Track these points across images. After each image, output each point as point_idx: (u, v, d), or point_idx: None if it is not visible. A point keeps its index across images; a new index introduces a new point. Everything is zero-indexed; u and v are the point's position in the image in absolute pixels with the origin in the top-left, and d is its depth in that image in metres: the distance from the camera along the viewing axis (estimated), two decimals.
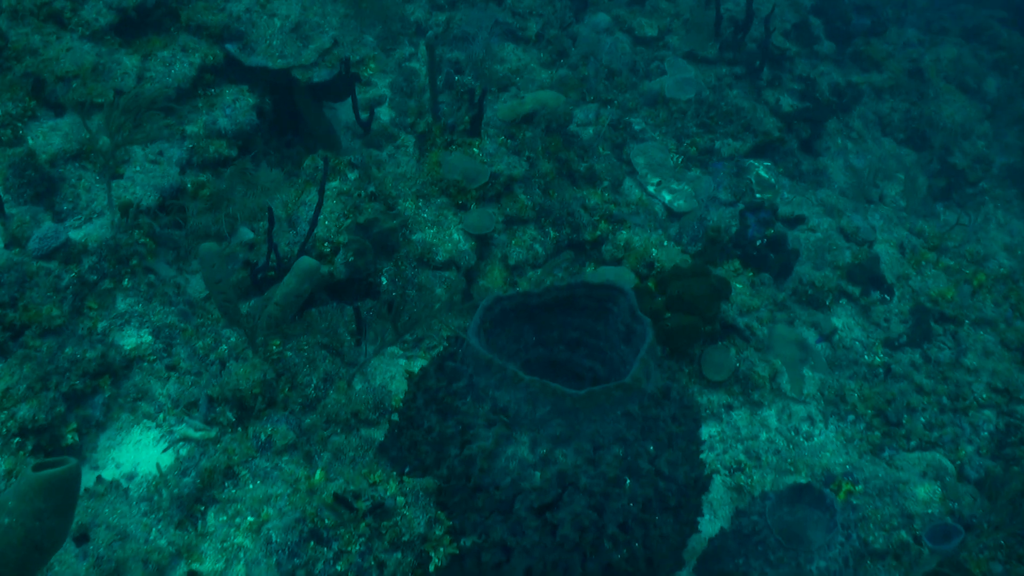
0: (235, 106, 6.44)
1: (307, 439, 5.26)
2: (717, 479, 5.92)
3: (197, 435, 4.94)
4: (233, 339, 5.40)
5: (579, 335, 5.11)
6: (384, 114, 7.93)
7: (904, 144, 9.87)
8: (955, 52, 11.46)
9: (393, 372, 6.07)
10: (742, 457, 6.01)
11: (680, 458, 4.61)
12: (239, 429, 5.02)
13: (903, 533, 5.41)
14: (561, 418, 4.36)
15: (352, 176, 6.28)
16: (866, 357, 6.55)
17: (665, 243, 6.82)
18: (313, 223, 5.70)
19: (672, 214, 7.53)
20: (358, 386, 5.75)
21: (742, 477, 5.75)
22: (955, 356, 6.58)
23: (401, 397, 5.80)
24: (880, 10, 13.07)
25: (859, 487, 5.55)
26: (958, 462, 6.02)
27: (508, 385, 4.41)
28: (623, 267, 6.57)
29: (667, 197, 7.56)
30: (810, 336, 6.59)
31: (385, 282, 6.13)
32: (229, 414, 5.02)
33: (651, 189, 7.62)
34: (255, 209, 6.12)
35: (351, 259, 5.88)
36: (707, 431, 6.15)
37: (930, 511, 5.51)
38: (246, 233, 6.11)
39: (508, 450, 4.33)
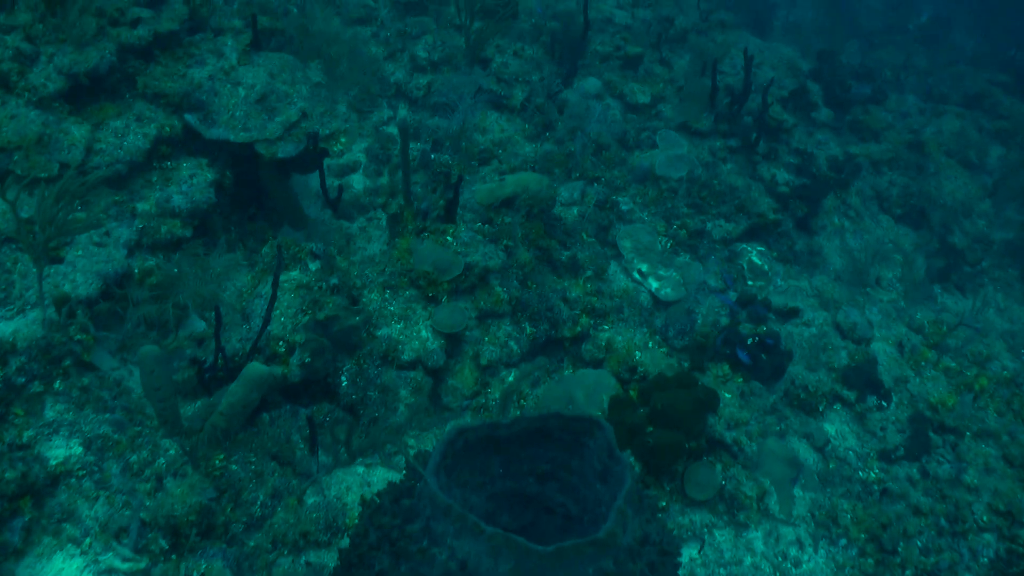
0: (192, 182, 5.98)
1: (250, 565, 4.79)
2: None
3: (125, 567, 4.45)
4: (172, 451, 4.91)
5: (551, 468, 4.65)
6: (358, 182, 7.49)
7: (902, 221, 9.47)
8: (958, 125, 11.09)
9: (349, 482, 5.59)
10: None
11: None
12: (172, 557, 4.54)
13: None
14: (527, 575, 3.90)
15: (313, 267, 5.82)
16: (860, 474, 6.11)
17: (649, 344, 6.38)
18: (266, 320, 5.24)
19: (659, 303, 7.08)
20: (310, 500, 5.27)
21: None
22: (955, 472, 6.14)
23: (356, 514, 5.34)
24: (879, 73, 12.74)
25: None
26: None
27: (468, 535, 3.95)
28: (603, 371, 6.11)
29: (654, 285, 7.12)
30: (801, 448, 6.14)
31: (345, 383, 5.66)
32: (162, 541, 4.54)
33: (637, 276, 7.18)
34: (208, 297, 5.65)
35: (307, 360, 5.41)
36: (688, 553, 5.68)
37: None
38: (196, 323, 5.65)
39: None
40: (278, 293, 5.52)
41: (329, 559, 5.06)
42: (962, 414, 6.45)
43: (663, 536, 4.49)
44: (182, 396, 5.36)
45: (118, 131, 5.92)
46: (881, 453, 6.29)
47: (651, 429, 5.61)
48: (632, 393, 5.87)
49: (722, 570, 5.61)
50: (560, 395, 5.95)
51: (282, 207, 6.54)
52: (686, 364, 6.24)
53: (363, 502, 5.11)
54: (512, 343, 6.15)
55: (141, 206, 5.80)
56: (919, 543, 5.74)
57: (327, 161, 7.17)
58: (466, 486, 4.54)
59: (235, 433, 5.03)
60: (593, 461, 4.51)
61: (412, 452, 5.67)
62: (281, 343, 5.42)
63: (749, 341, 6.52)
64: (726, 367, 6.27)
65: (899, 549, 5.64)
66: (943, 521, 5.90)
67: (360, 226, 6.97)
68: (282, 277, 5.71)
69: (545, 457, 4.62)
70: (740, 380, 6.22)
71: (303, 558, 5.03)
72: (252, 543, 4.89)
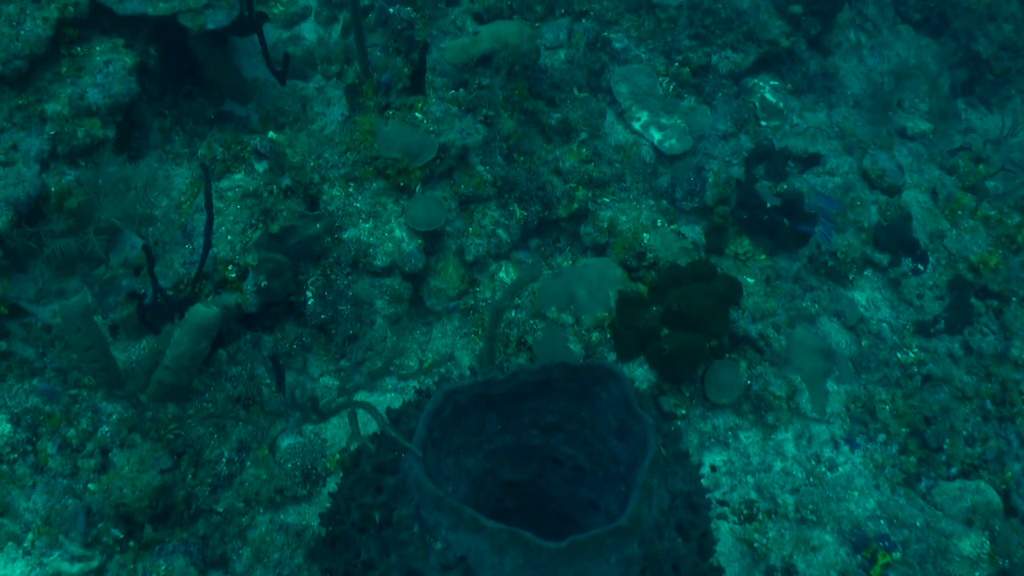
0: (108, 70, 4.95)
1: (221, 535, 4.20)
2: (724, 527, 4.95)
3: (75, 569, 3.84)
4: (116, 417, 4.19)
5: (557, 419, 3.97)
6: (310, 31, 6.41)
7: (921, 29, 8.41)
8: None
9: None
10: (753, 495, 5.01)
11: None
12: (130, 544, 3.92)
13: None
14: (538, 572, 3.30)
15: (261, 168, 4.92)
16: (898, 355, 5.46)
17: (659, 223, 5.57)
18: (205, 248, 4.41)
19: (663, 157, 6.21)
20: (284, 442, 4.63)
21: (756, 535, 4.77)
22: (1000, 346, 5.52)
23: (337, 457, 4.73)
24: None
25: (896, 554, 4.59)
26: (1003, 486, 5.06)
27: (466, 529, 3.32)
28: (608, 259, 5.33)
29: (656, 136, 6.22)
30: (832, 331, 5.46)
31: (311, 301, 4.89)
32: (115, 531, 3.91)
33: (637, 126, 6.26)
34: (140, 213, 4.78)
35: (264, 284, 4.62)
36: (711, 460, 5.12)
37: (976, 574, 4.60)
38: (131, 241, 4.80)
39: None
40: (222, 205, 4.67)
41: (311, 514, 4.47)
42: (1007, 276, 5.75)
43: (691, 486, 3.87)
44: (125, 335, 4.60)
45: (11, 19, 4.84)
46: (919, 326, 5.62)
47: (666, 332, 4.92)
48: (642, 288, 5.12)
49: (750, 478, 5.07)
50: (558, 293, 5.21)
51: (221, 80, 5.53)
52: (702, 243, 5.44)
53: (342, 465, 4.46)
54: (500, 231, 5.34)
55: (51, 107, 4.80)
56: (965, 431, 5.18)
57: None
58: (459, 451, 3.88)
59: (186, 386, 4.32)
60: (607, 416, 3.82)
61: (394, 399, 4.99)
62: (231, 267, 4.61)
63: (769, 205, 5.72)
64: (746, 242, 5.49)
65: (944, 446, 5.09)
66: (989, 404, 5.33)
67: (317, 86, 5.98)
68: (225, 183, 4.83)
69: (549, 408, 3.93)
70: (763, 258, 5.47)
71: (281, 516, 4.45)
72: (221, 506, 4.28)
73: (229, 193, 4.71)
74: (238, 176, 4.87)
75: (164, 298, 4.43)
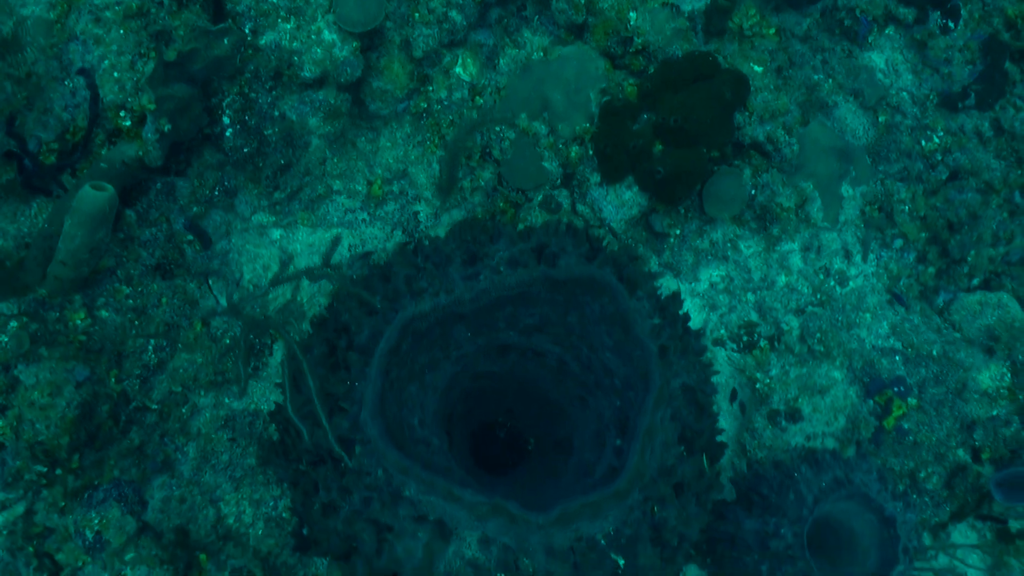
0: None
1: (160, 435, 3.69)
2: (722, 355, 4.49)
3: None
4: (15, 323, 3.46)
5: (538, 322, 3.33)
6: None
7: None
8: None
9: (265, 258, 4.25)
10: (754, 316, 4.50)
11: (694, 511, 3.23)
12: (57, 473, 3.38)
13: (960, 452, 4.19)
14: (525, 537, 2.89)
15: None
16: (922, 142, 4.70)
17: None
18: (93, 99, 3.46)
19: None
20: (219, 302, 3.99)
21: (757, 372, 4.31)
22: None
23: (282, 305, 4.12)
24: None
25: (912, 400, 4.17)
26: None
27: (440, 496, 2.85)
28: (587, 48, 4.36)
29: None
30: (849, 115, 4.65)
31: (230, 130, 4.00)
32: (37, 467, 3.35)
33: None
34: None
35: (167, 127, 3.70)
36: (709, 274, 4.56)
37: (995, 413, 4.22)
38: None
39: (449, 549, 2.91)
40: (101, 32, 3.64)
41: (258, 394, 3.93)
42: None
43: (696, 376, 3.37)
44: (10, 201, 3.75)
45: None
46: (944, 98, 4.82)
47: (660, 148, 4.13)
48: (630, 89, 4.24)
49: (750, 295, 4.54)
50: (528, 96, 4.32)
51: None
52: (702, 23, 4.43)
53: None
54: (453, 12, 4.31)
55: None
56: (992, 226, 4.59)
57: None
58: (423, 370, 3.27)
59: (89, 274, 3.56)
60: (599, 330, 3.19)
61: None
62: (123, 113, 3.66)
63: None
64: (752, 11, 4.50)
65: (969, 258, 4.51)
66: (1017, 197, 4.69)
67: None
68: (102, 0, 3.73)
69: (528, 313, 3.28)
70: (772, 32, 4.51)
71: (226, 399, 3.89)
72: (157, 395, 3.71)
73: (107, 13, 3.63)
74: None
75: (34, 161, 3.55)
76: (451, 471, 3.00)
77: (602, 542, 2.85)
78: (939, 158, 4.70)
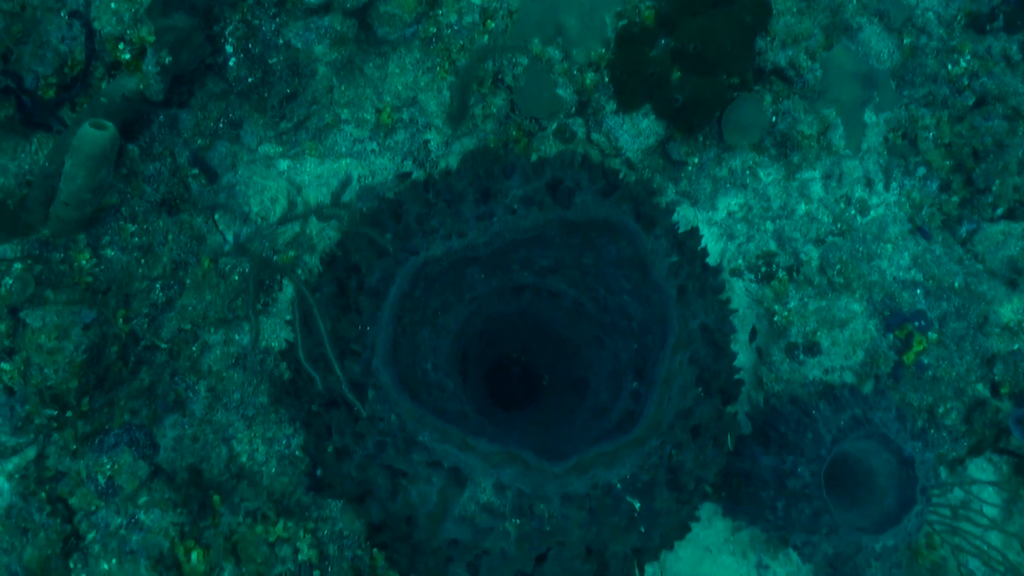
0: None
1: (171, 374, 3.66)
2: (739, 286, 4.41)
3: (9, 466, 3.30)
4: (19, 265, 3.38)
5: (552, 264, 3.25)
6: None
7: None
8: None
9: (273, 191, 4.16)
10: (772, 245, 4.41)
11: (712, 453, 3.21)
12: (67, 416, 3.35)
13: (979, 387, 4.13)
14: (539, 482, 2.87)
15: None
16: (948, 66, 4.53)
17: None
18: (89, 34, 3.33)
19: None
20: (226, 239, 3.92)
21: (775, 304, 4.23)
22: None
23: (291, 235, 4.06)
24: None
25: (932, 334, 4.08)
26: None
27: (454, 445, 2.81)
28: None
29: None
30: (874, 38, 4.47)
31: (233, 60, 3.87)
32: (47, 410, 3.32)
33: None
34: None
35: (168, 60, 3.57)
36: (727, 203, 4.46)
37: (1016, 347, 4.15)
38: None
39: (463, 495, 2.89)
40: None
41: (269, 330, 3.88)
42: None
43: (713, 317, 3.30)
44: (12, 136, 3.65)
45: None
46: (972, 19, 4.63)
47: (678, 75, 3.98)
48: (647, 13, 4.07)
49: (768, 223, 4.44)
50: (541, 19, 4.16)
51: None
52: None
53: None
54: None
55: None
56: (1017, 155, 4.45)
57: None
58: (436, 314, 3.20)
59: (93, 213, 3.48)
60: (617, 273, 3.11)
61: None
62: (122, 45, 3.53)
63: None
64: None
65: (994, 187, 4.38)
66: None
67: None
68: None
69: (543, 255, 3.20)
70: None
71: (236, 336, 3.85)
72: (166, 333, 3.66)
73: None
74: None
75: (30, 94, 3.44)
76: (466, 416, 2.96)
77: (618, 486, 2.82)
78: (965, 83, 4.54)
